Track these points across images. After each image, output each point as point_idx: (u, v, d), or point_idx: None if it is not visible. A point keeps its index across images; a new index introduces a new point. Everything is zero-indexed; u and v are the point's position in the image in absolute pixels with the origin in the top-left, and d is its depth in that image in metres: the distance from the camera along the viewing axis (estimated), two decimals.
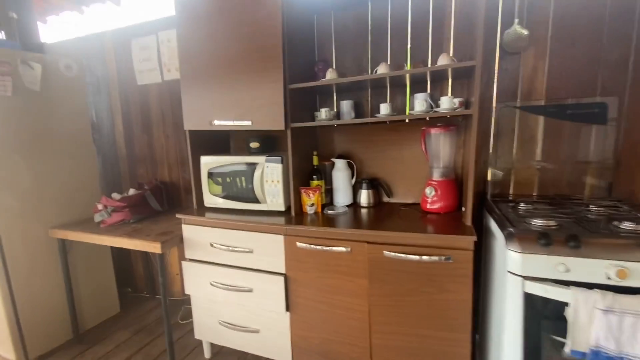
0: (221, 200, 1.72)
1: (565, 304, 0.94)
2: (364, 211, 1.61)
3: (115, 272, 2.33)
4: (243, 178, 1.65)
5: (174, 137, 2.26)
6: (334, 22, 1.71)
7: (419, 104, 1.35)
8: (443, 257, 1.20)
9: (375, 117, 1.38)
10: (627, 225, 1.02)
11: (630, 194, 1.40)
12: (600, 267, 0.92)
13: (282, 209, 1.61)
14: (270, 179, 1.59)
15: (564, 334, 0.96)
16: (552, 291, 0.94)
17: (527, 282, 0.98)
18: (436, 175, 1.50)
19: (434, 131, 1.46)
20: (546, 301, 0.98)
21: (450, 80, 1.54)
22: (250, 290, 1.53)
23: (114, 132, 2.46)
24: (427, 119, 1.60)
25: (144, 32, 2.19)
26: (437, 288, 1.24)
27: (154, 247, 1.57)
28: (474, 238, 1.17)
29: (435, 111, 1.32)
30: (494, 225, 1.26)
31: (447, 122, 1.56)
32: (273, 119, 1.47)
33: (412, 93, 1.62)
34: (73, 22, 2.87)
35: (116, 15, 2.59)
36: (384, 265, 1.29)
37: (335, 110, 1.72)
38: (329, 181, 1.73)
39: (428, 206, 1.50)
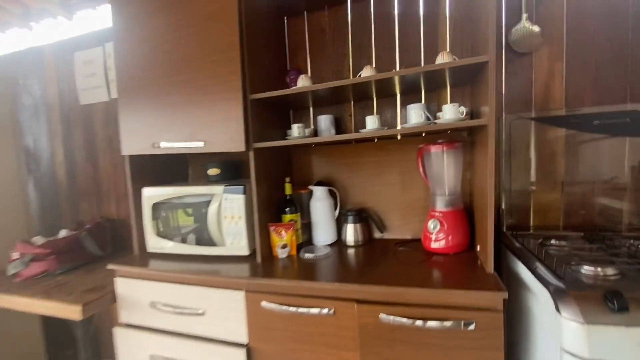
0: (170, 243, 1.35)
1: None
2: (350, 252, 1.27)
3: (51, 332, 1.86)
4: (196, 214, 1.30)
5: (123, 166, 1.89)
6: (308, 24, 1.45)
7: (416, 115, 1.06)
8: (462, 323, 0.86)
9: (361, 133, 1.08)
10: None
11: None
12: None
13: (246, 252, 1.26)
14: (229, 214, 1.24)
15: None
16: None
17: None
18: (440, 205, 1.19)
19: (434, 149, 1.17)
20: None
21: (448, 88, 1.28)
22: None
23: (53, 161, 2.07)
24: (424, 135, 1.32)
25: (89, 43, 1.88)
26: None
27: (72, 312, 1.17)
28: (505, 294, 0.84)
29: (436, 123, 1.03)
30: (524, 273, 0.94)
31: (448, 138, 1.27)
32: (230, 138, 1.15)
33: (403, 105, 1.34)
34: (18, 38, 2.55)
35: (65, 31, 2.28)
36: (381, 334, 0.94)
37: (312, 127, 1.42)
38: (306, 214, 1.40)
39: (432, 245, 1.18)
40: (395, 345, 0.93)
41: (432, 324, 0.88)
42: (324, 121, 1.32)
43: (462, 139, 1.24)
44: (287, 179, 1.32)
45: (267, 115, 1.29)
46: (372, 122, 1.13)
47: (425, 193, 1.33)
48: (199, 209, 1.29)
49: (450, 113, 1.01)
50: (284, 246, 1.24)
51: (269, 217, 1.27)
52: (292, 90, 1.12)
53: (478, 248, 1.11)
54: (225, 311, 1.11)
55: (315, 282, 1.00)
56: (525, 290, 0.94)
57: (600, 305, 0.68)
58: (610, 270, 0.78)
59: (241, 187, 1.23)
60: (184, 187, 1.31)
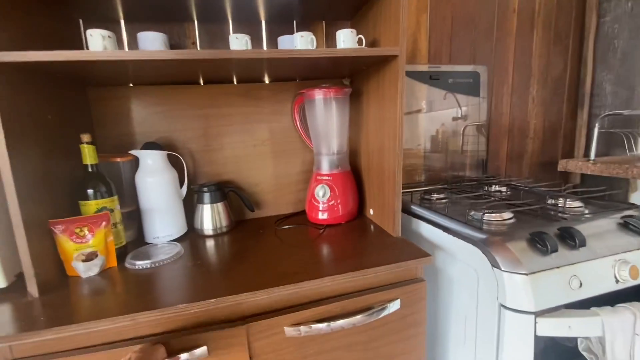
0: None
1: (584, 338, 0.61)
2: (213, 245, 0.86)
3: None
4: None
5: None
6: None
7: (303, 41, 0.76)
8: (389, 305, 0.67)
9: (229, 51, 0.67)
10: (575, 204, 0.82)
11: (497, 170, 1.36)
12: (608, 267, 0.64)
13: (1, 284, 0.62)
14: None
15: None
16: (577, 325, 0.59)
17: (542, 320, 0.59)
18: (327, 167, 0.96)
19: (319, 95, 0.91)
20: (558, 340, 0.63)
21: (324, 24, 1.04)
22: None
23: None
24: (298, 80, 1.04)
25: None
26: (381, 358, 0.70)
27: None
28: (430, 259, 0.70)
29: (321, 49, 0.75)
30: (427, 230, 0.85)
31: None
32: None
33: (270, 39, 1.00)
34: None
35: None
36: (285, 355, 0.63)
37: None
38: (128, 198, 0.86)
39: (321, 215, 0.94)
40: None
41: (355, 318, 0.64)
42: (152, 41, 0.80)
43: (343, 86, 1.04)
44: (85, 137, 0.73)
45: (27, 15, 0.65)
46: (239, 42, 0.74)
47: (303, 155, 1.08)
48: None
49: (348, 40, 0.77)
50: (91, 256, 0.69)
51: (50, 209, 0.67)
52: None
53: (371, 212, 0.96)
54: None
55: (167, 309, 0.56)
56: (430, 248, 0.85)
57: (531, 251, 0.62)
58: (506, 215, 0.77)
59: None
60: None
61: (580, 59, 1.37)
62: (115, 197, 0.78)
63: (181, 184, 0.92)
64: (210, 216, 0.92)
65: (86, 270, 0.69)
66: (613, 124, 1.29)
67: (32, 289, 0.62)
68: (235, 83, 0.98)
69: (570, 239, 0.64)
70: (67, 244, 0.67)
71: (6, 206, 0.59)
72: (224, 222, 0.94)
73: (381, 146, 0.85)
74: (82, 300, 0.60)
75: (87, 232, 0.69)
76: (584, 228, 0.67)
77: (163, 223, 0.87)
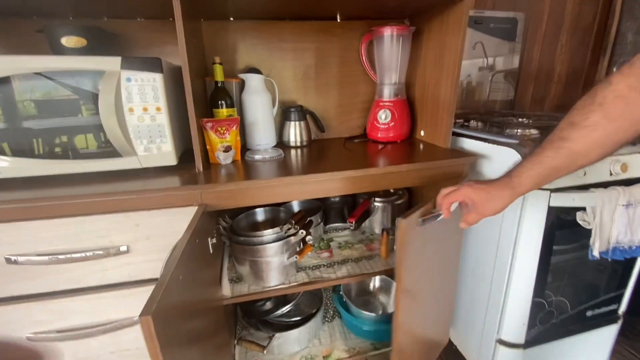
0: (7, 162, 0.77)
1: (579, 209, 0.88)
2: (299, 153, 1.11)
3: None
4: (67, 108, 0.78)
5: None
6: None
7: None
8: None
9: None
10: None
11: (523, 109, 1.57)
12: (606, 164, 0.89)
13: (173, 161, 0.88)
14: (138, 104, 0.81)
15: (570, 241, 0.93)
16: (579, 198, 0.85)
17: (554, 195, 0.86)
18: (388, 95, 1.18)
19: (387, 32, 1.10)
20: (562, 210, 0.89)
21: None
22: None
23: None
24: (363, 20, 1.22)
25: None
26: None
27: None
28: (475, 158, 0.95)
29: None
30: (472, 144, 1.09)
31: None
32: None
33: None
34: None
35: None
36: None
37: None
38: (237, 112, 1.10)
39: (379, 135, 1.18)
40: None
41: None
42: None
43: (406, 25, 1.22)
44: (217, 59, 0.96)
45: None
46: None
47: (364, 88, 1.29)
48: (72, 101, 0.77)
49: None
50: (227, 149, 0.95)
51: (199, 113, 0.92)
52: None
53: (422, 133, 1.20)
54: (165, 238, 0.78)
55: (299, 176, 0.83)
56: None
57: None
58: (534, 131, 1.00)
59: (157, 61, 0.80)
60: (38, 58, 0.73)
61: (609, 10, 1.51)
62: (235, 109, 1.02)
63: (274, 104, 1.16)
64: (295, 131, 1.16)
65: (224, 159, 0.95)
66: None
67: (199, 165, 0.88)
68: (313, 21, 1.17)
69: None
70: (213, 138, 0.93)
71: (173, 109, 0.83)
72: (305, 137, 1.18)
73: (438, 78, 1.06)
74: (232, 173, 0.87)
75: (225, 131, 0.94)
76: None
77: (262, 134, 1.11)
